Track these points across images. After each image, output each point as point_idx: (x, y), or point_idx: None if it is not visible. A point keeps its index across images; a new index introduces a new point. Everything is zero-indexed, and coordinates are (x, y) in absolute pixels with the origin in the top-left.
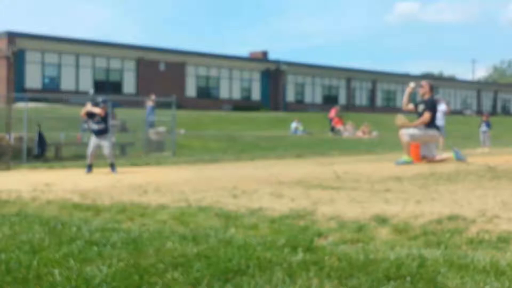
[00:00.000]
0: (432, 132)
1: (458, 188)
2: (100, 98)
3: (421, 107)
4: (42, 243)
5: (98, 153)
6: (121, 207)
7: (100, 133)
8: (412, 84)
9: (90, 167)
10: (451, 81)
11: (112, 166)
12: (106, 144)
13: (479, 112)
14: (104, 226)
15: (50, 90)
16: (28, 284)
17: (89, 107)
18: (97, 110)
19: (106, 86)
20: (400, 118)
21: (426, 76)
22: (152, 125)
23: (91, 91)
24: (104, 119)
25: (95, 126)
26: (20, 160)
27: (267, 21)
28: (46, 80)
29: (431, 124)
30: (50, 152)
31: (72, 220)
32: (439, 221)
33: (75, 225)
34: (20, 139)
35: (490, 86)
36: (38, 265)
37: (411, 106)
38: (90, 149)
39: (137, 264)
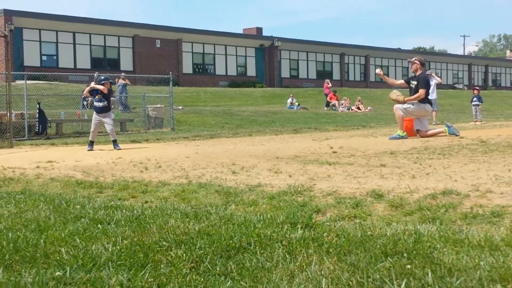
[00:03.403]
0: (425, 107)
1: (452, 163)
2: (102, 76)
3: (414, 83)
4: (48, 222)
5: (101, 130)
6: (123, 184)
7: (102, 111)
8: (378, 70)
9: (91, 144)
10: (443, 56)
11: (115, 142)
12: (108, 122)
13: (471, 86)
14: (107, 203)
15: (49, 68)
16: (36, 263)
17: (92, 84)
18: (100, 87)
19: (104, 64)
20: (394, 93)
21: (418, 51)
22: (125, 104)
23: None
24: (106, 96)
25: (97, 104)
26: (22, 137)
27: None
28: (44, 58)
29: (424, 99)
30: (51, 129)
31: (76, 198)
32: (433, 196)
33: (79, 203)
34: (21, 116)
35: (481, 60)
36: (45, 243)
37: (399, 82)
38: (92, 126)
39: (141, 241)
